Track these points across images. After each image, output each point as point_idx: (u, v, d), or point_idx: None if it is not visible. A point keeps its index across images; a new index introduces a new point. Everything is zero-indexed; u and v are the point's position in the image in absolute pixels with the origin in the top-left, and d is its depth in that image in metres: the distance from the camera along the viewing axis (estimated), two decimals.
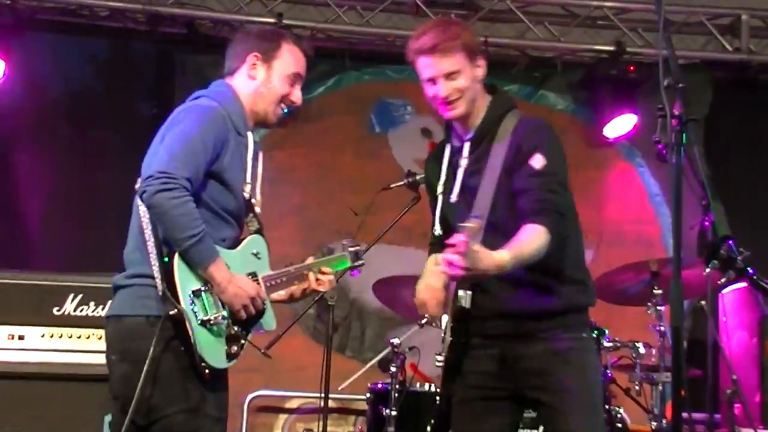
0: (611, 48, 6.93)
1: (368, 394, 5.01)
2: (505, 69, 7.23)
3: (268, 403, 6.61)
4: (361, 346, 6.73)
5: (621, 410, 5.01)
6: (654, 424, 4.87)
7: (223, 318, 3.07)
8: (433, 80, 3.19)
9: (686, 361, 5.51)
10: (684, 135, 2.70)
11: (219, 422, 3.13)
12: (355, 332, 6.79)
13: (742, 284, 5.73)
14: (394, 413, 4.73)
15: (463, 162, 3.26)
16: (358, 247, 3.73)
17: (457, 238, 2.76)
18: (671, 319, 2.74)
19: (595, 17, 7.10)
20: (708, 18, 7.14)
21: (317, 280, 3.46)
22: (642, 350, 4.94)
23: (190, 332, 2.98)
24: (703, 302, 5.15)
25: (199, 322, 3.01)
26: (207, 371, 3.02)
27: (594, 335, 4.80)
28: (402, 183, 5.03)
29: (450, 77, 3.17)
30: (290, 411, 6.56)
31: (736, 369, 5.33)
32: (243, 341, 3.15)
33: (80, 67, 7.20)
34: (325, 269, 3.48)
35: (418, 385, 5.00)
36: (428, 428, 4.79)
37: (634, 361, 4.95)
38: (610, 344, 4.94)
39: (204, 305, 3.04)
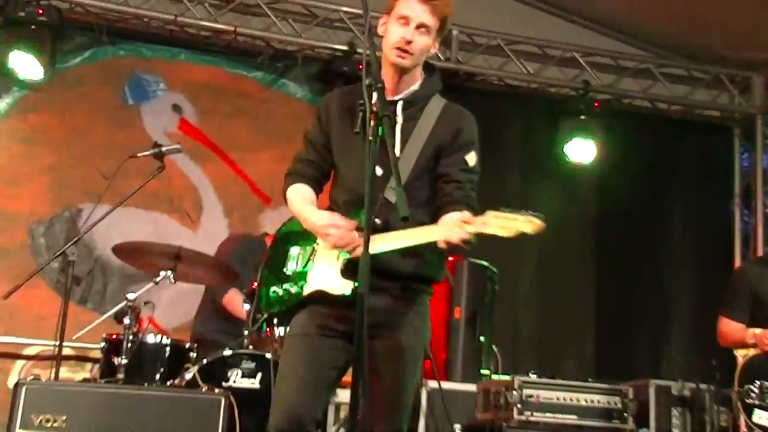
0: (345, 47, 7.11)
1: (102, 344, 4.96)
2: (252, 57, 7.26)
3: (7, 350, 6.32)
4: (102, 300, 6.55)
5: None
6: None
7: None
8: (407, 20, 3.10)
9: None
10: (380, 128, 2.94)
11: None
12: (97, 286, 6.61)
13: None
14: (124, 361, 4.72)
15: (399, 119, 3.17)
16: None
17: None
18: (360, 286, 2.91)
19: (333, 19, 7.23)
20: None
21: None
22: None
23: None
24: None
25: None
26: None
27: None
28: (149, 152, 5.12)
29: (419, 29, 3.10)
30: (28, 358, 6.33)
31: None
32: None
33: None
34: None
35: (150, 336, 4.98)
36: (157, 375, 4.88)
37: None
38: None
39: None
